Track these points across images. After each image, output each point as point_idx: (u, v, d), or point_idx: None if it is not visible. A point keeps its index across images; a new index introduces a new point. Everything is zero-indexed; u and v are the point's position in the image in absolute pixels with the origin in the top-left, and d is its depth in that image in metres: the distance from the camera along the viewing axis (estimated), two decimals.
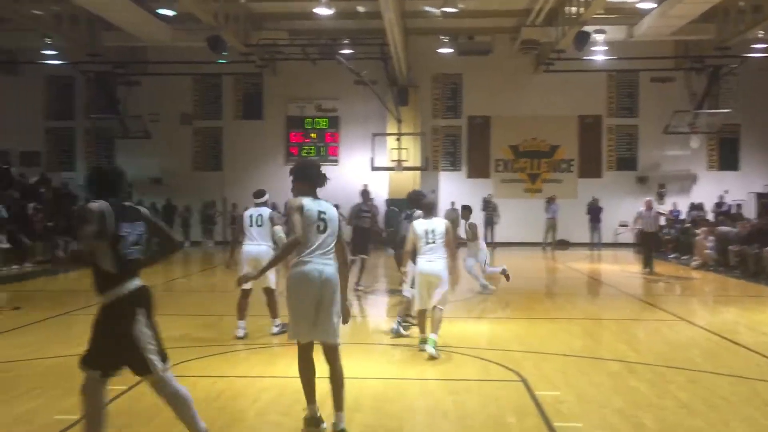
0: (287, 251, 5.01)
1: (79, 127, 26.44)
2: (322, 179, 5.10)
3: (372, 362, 7.43)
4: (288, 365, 7.34)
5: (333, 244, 5.00)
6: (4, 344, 8.35)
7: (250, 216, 8.61)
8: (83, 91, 26.05)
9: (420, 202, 8.54)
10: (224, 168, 26.05)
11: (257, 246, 8.47)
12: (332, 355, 4.99)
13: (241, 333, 8.40)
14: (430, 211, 7.87)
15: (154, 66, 24.58)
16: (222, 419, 5.47)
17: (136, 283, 4.30)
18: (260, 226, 8.51)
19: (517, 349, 8.00)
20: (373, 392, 6.20)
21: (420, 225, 7.61)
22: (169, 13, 19.61)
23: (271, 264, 5.37)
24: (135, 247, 4.29)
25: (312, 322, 4.89)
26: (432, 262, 7.47)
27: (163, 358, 4.32)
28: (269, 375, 6.93)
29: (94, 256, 4.20)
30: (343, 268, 5.10)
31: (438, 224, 7.62)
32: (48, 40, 22.28)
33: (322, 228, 4.92)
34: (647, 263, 16.56)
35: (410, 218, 8.95)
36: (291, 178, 5.10)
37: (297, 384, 6.40)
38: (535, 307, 11.84)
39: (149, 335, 4.26)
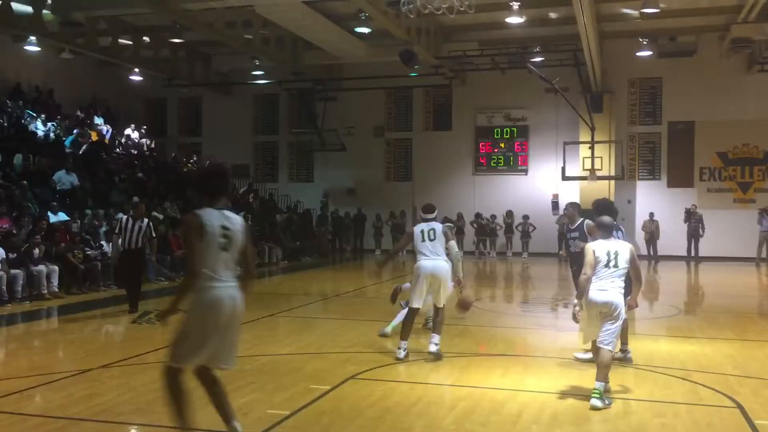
0: (188, 288, 4.52)
1: (282, 141, 28.41)
2: (218, 188, 4.66)
3: (570, 378, 7.17)
4: (483, 376, 7.35)
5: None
6: None
7: (422, 231, 8.23)
8: (286, 108, 28.00)
9: (602, 219, 6.77)
10: (414, 178, 26.63)
11: (433, 261, 8.05)
12: (216, 376, 4.75)
13: (401, 354, 7.87)
14: (610, 232, 6.58)
15: (349, 81, 25.79)
16: (420, 424, 5.59)
17: None
18: (432, 240, 8.10)
19: (731, 372, 7.35)
20: (573, 409, 6.00)
21: (601, 247, 6.44)
22: (365, 30, 20.47)
23: (177, 301, 4.58)
24: None
25: (214, 349, 4.55)
26: (606, 291, 6.25)
27: None
28: (465, 384, 6.95)
29: None
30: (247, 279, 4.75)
31: (623, 247, 6.44)
32: (257, 62, 24.21)
33: (224, 245, 4.50)
34: None
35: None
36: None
37: (494, 395, 6.45)
38: (750, 328, 10.78)
39: None
